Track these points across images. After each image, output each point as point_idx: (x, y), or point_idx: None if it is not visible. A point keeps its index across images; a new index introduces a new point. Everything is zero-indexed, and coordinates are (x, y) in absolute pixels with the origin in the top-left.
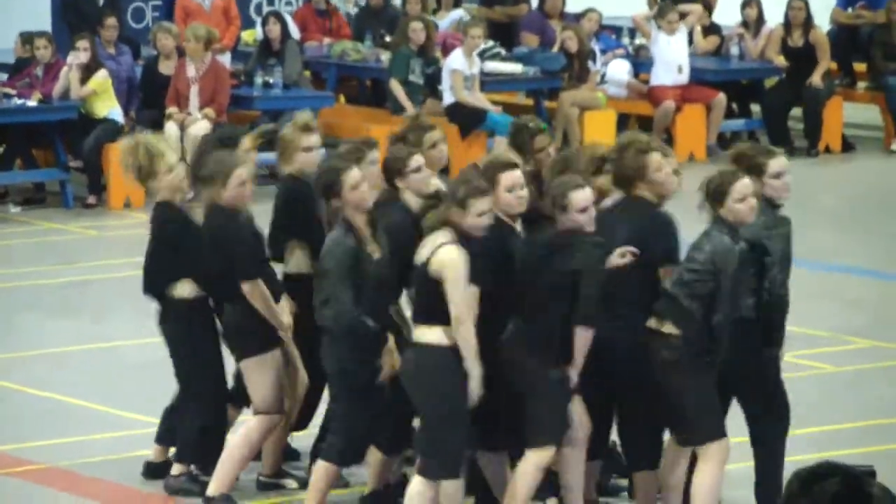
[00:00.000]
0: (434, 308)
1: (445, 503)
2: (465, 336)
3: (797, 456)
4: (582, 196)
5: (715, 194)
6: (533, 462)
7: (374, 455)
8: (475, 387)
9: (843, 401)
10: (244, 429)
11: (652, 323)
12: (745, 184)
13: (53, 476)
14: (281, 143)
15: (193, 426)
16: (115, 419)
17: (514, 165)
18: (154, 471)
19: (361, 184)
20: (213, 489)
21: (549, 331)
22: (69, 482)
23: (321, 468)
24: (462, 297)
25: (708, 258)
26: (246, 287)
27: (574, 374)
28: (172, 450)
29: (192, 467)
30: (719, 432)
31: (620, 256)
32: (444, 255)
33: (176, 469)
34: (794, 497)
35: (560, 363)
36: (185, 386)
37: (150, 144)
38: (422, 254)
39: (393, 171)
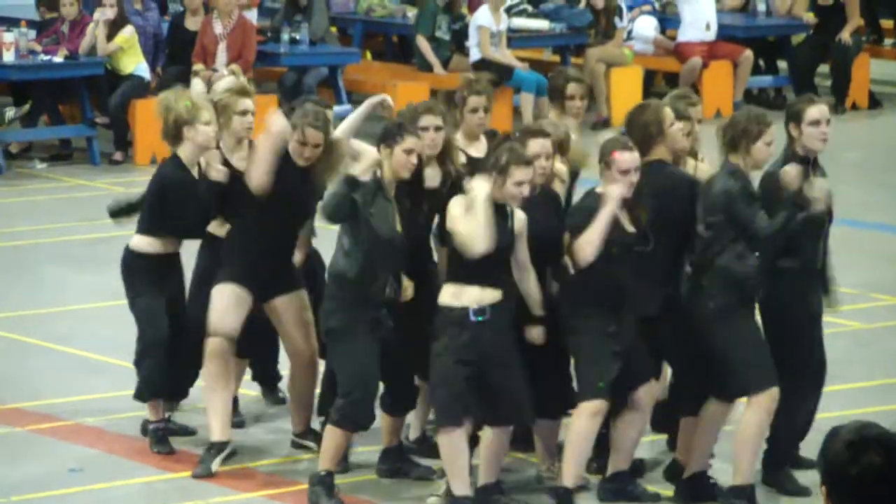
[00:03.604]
0: (451, 268)
1: (442, 454)
2: (477, 218)
3: (822, 413)
4: (628, 157)
5: (742, 135)
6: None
7: (383, 418)
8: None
9: (871, 358)
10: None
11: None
12: (774, 129)
13: (80, 432)
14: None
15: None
16: None
17: (544, 133)
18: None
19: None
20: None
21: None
22: (96, 438)
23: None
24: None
25: (719, 203)
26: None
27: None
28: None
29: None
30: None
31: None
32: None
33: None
34: (841, 463)
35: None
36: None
37: (197, 97)
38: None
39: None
